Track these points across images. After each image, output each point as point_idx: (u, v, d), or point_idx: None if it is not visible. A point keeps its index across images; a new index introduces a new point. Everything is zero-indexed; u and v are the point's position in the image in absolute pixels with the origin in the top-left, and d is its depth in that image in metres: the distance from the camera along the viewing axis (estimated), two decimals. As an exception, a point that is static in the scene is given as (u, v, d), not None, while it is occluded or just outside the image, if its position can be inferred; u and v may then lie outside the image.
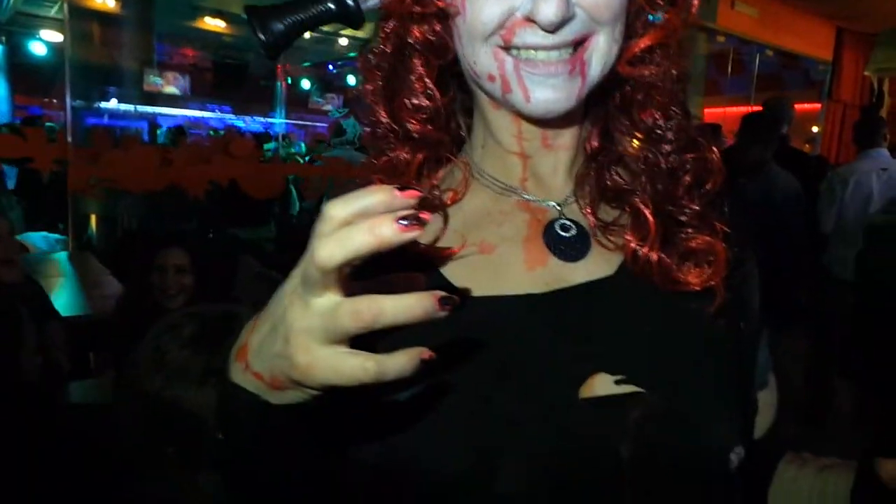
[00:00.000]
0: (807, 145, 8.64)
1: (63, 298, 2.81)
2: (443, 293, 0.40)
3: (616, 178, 0.64)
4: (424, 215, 0.39)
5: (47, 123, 8.33)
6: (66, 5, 5.04)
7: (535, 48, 0.55)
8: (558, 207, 0.64)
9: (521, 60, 0.56)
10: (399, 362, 0.40)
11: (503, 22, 0.55)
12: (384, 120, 0.63)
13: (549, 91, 0.56)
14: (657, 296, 0.60)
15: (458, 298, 0.41)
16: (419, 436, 0.54)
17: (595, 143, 0.65)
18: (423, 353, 0.40)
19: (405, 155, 0.63)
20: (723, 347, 0.62)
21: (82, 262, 3.52)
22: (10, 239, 2.14)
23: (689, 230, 0.62)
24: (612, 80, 0.61)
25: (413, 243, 0.61)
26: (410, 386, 0.50)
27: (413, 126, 0.62)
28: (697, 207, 0.62)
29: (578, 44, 0.56)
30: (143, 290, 2.30)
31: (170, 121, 9.90)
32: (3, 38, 10.02)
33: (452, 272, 0.60)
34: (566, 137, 0.64)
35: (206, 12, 8.55)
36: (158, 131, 8.28)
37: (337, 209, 0.40)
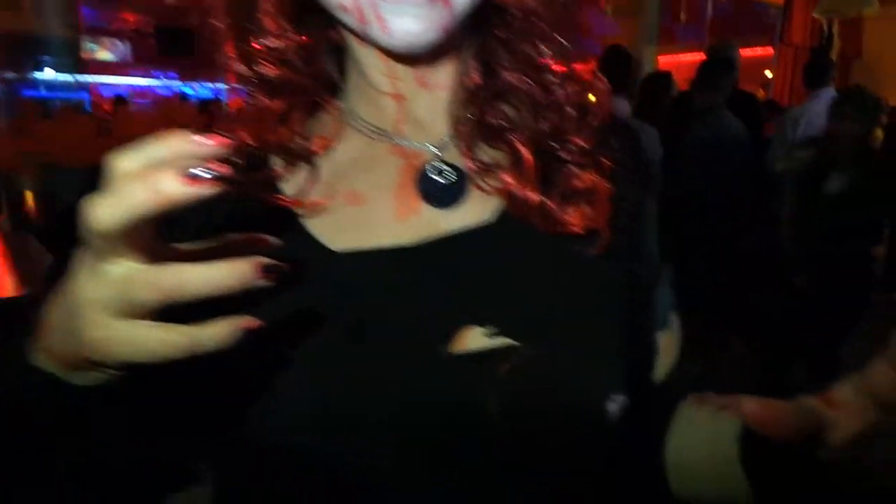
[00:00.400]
0: (761, 90, 8.71)
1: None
2: (267, 260, 0.36)
3: (496, 115, 0.60)
4: (220, 166, 0.34)
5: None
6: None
7: None
8: (435, 150, 0.60)
9: None
10: (215, 333, 0.36)
11: None
12: (237, 66, 0.58)
13: (408, 20, 0.51)
14: (538, 241, 0.57)
15: (284, 265, 0.37)
16: (265, 411, 0.50)
17: (476, 79, 0.60)
18: (244, 322, 0.36)
19: (266, 102, 0.58)
20: (609, 292, 0.59)
21: (17, 242, 3.37)
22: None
23: (573, 168, 0.59)
24: (488, 8, 0.56)
25: (273, 196, 0.57)
26: (251, 357, 0.46)
27: (268, 70, 0.57)
28: (582, 143, 0.59)
29: None
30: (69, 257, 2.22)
31: (112, 90, 9.48)
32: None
33: (317, 227, 0.56)
34: (442, 75, 0.60)
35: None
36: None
37: (121, 160, 0.35)
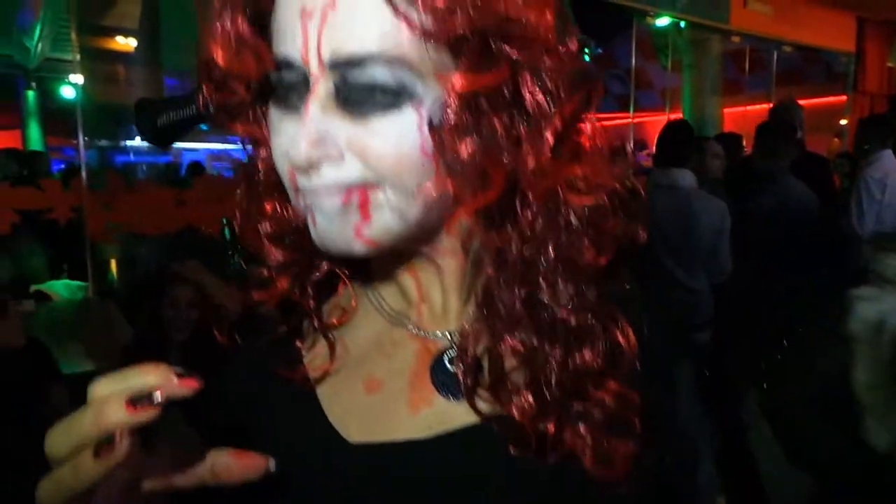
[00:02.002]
0: (835, 139, 8.38)
1: (77, 351, 2.87)
2: None
3: (509, 346, 0.53)
4: (160, 394, 0.39)
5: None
6: (77, 48, 5.15)
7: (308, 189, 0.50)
8: (450, 337, 0.59)
9: (310, 193, 0.50)
10: None
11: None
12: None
13: (327, 224, 0.50)
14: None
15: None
16: None
17: (490, 272, 0.54)
18: None
19: (282, 284, 0.58)
20: (634, 498, 0.53)
21: (99, 311, 3.59)
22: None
23: (595, 393, 0.53)
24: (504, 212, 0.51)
25: (299, 376, 0.59)
26: None
27: (274, 254, 0.57)
28: (610, 391, 0.53)
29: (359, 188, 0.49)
30: (154, 324, 2.41)
31: (192, 155, 10.13)
32: (34, 84, 10.46)
33: (335, 412, 0.57)
34: (448, 263, 0.57)
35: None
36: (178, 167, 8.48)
37: (97, 386, 0.40)
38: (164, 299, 2.42)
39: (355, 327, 0.61)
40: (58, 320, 3.41)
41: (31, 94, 10.53)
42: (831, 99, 9.05)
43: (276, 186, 0.56)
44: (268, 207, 0.57)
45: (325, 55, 0.46)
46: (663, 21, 6.38)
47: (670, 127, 3.12)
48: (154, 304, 2.44)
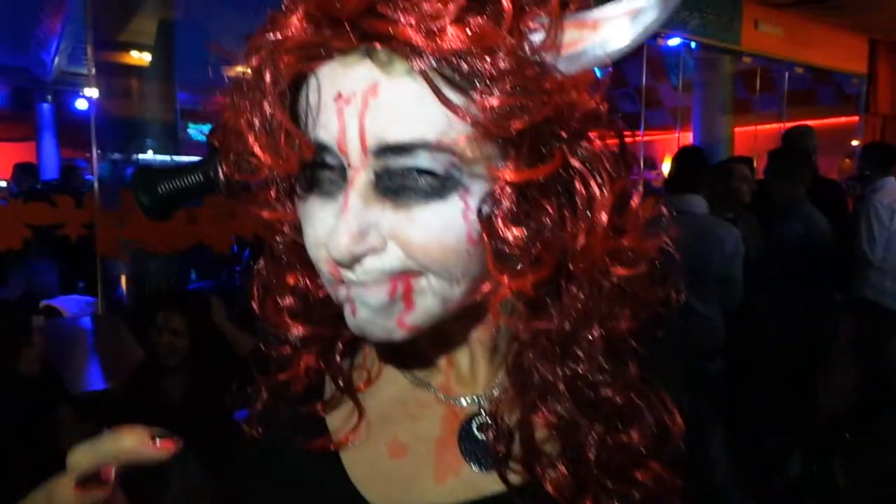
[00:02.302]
0: (847, 160, 8.33)
1: (87, 369, 2.87)
2: None
3: (544, 418, 0.52)
4: (107, 474, 0.40)
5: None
6: (92, 62, 5.20)
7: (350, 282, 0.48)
8: (478, 403, 0.57)
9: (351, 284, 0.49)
10: None
11: (323, 247, 0.48)
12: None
13: (367, 311, 0.48)
14: None
15: None
16: None
17: (525, 338, 0.53)
18: None
19: (307, 360, 0.57)
20: None
21: (109, 328, 3.60)
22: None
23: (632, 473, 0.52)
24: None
25: (321, 436, 0.58)
26: None
27: (296, 330, 0.56)
28: (653, 473, 0.51)
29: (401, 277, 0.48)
30: (148, 352, 2.38)
31: (204, 168, 10.21)
32: (50, 98, 10.60)
33: (358, 472, 0.56)
34: (479, 333, 0.56)
35: (237, 61, 8.78)
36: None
37: (75, 456, 0.40)
38: (151, 327, 2.36)
39: (378, 387, 0.60)
40: (65, 340, 3.41)
41: (46, 106, 10.66)
42: (843, 120, 9.02)
43: (298, 260, 0.55)
44: (290, 280, 0.56)
45: (369, 142, 0.44)
46: (674, 41, 6.39)
47: (682, 153, 3.11)
48: (145, 330, 2.42)
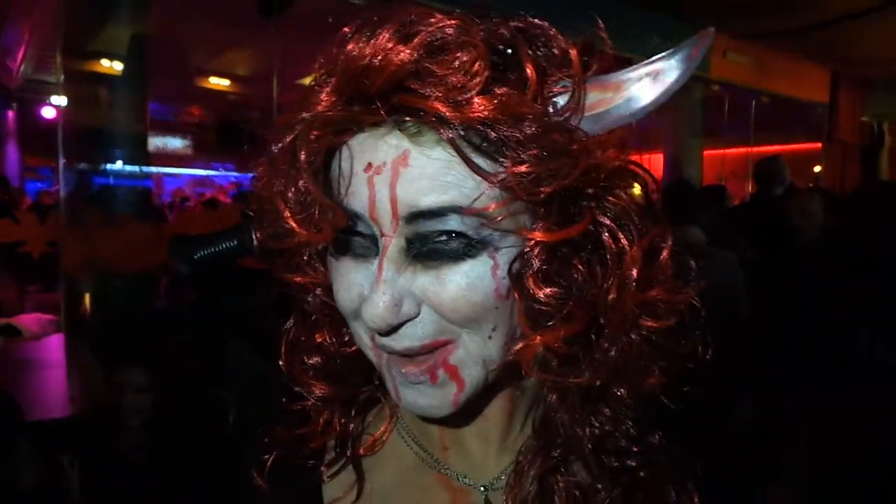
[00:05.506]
0: (809, 185, 8.59)
1: (47, 393, 2.77)
2: None
3: (565, 482, 0.53)
4: None
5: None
6: (60, 70, 5.09)
7: (388, 350, 0.49)
8: (484, 491, 0.56)
9: (390, 355, 0.49)
10: None
11: (358, 310, 0.49)
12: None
13: (416, 396, 0.49)
14: None
15: None
16: None
17: (537, 424, 0.55)
18: None
19: (325, 417, 0.57)
20: None
21: (72, 350, 3.49)
22: None
23: None
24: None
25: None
26: None
27: (318, 389, 0.56)
28: None
29: (438, 347, 0.48)
30: (103, 407, 2.13)
31: (175, 182, 10.04)
32: (14, 105, 10.35)
33: None
34: (493, 409, 0.56)
35: (209, 73, 8.69)
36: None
37: None
38: (111, 384, 2.12)
39: (383, 458, 0.59)
40: (27, 360, 3.30)
41: (10, 114, 10.40)
42: (807, 146, 9.30)
43: (328, 319, 0.55)
44: (318, 339, 0.56)
45: (401, 210, 0.45)
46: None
47: (673, 187, 3.17)
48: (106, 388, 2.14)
